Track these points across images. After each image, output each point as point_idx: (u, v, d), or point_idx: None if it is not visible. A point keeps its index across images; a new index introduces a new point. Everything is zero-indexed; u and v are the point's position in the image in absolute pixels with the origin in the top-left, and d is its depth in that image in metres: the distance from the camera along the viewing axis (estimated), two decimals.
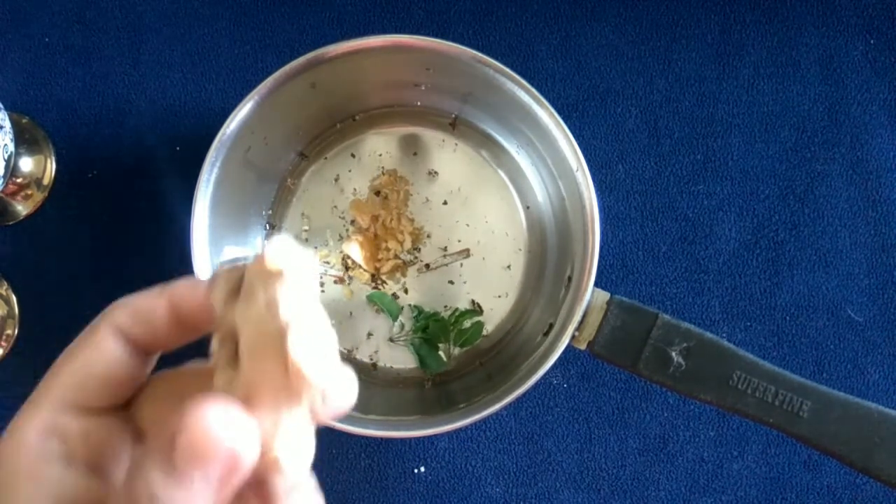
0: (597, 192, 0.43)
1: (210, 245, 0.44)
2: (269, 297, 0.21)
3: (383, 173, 0.52)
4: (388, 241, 0.51)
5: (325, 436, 0.40)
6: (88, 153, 0.53)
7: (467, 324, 0.50)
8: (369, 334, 0.51)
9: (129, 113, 0.53)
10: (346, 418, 0.42)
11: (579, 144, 0.43)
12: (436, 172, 0.51)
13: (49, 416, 0.25)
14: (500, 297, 0.51)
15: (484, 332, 0.51)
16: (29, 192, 0.53)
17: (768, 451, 0.51)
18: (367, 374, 0.50)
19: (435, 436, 0.51)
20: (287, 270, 0.21)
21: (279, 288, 0.21)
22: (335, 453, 0.51)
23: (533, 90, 0.43)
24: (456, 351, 0.50)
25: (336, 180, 0.52)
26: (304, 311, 0.21)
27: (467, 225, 0.51)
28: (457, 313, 0.50)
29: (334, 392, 0.22)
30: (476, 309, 0.51)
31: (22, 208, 0.53)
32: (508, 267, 0.51)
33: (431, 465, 0.51)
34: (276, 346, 0.21)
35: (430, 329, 0.50)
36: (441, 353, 0.50)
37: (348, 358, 0.51)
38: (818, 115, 0.53)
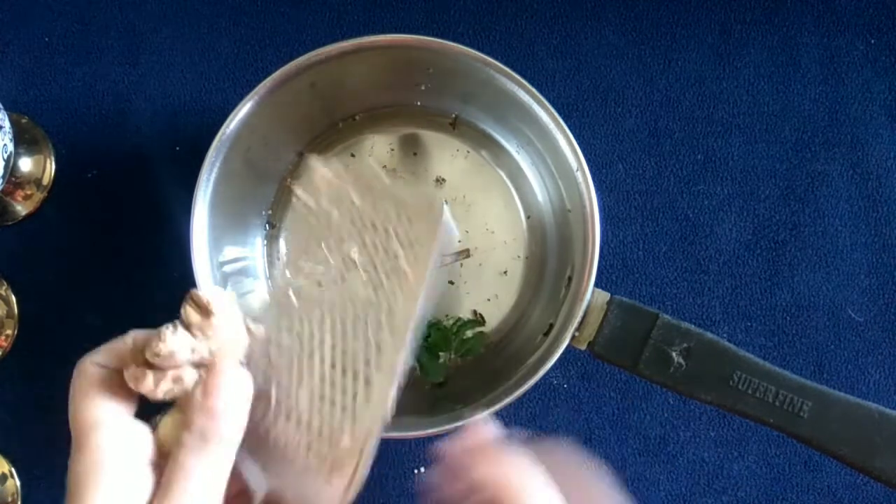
0: (597, 191, 0.43)
1: (210, 245, 0.44)
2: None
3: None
4: None
5: None
6: (88, 153, 0.53)
7: (469, 333, 0.50)
8: None
9: (128, 113, 0.53)
10: None
11: (579, 144, 0.43)
12: (443, 179, 0.51)
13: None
14: (499, 300, 0.51)
15: (485, 339, 0.51)
16: (28, 191, 0.53)
17: (768, 451, 0.51)
18: None
19: (435, 436, 0.51)
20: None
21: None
22: None
23: (533, 90, 0.43)
24: (457, 360, 0.50)
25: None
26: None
27: (467, 231, 0.51)
28: (458, 323, 0.50)
29: None
30: (478, 319, 0.51)
31: (21, 208, 0.53)
32: (505, 273, 0.51)
33: (431, 465, 0.51)
34: None
35: (431, 338, 0.50)
36: (442, 360, 0.50)
37: None
38: (819, 115, 0.53)
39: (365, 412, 0.33)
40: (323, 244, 0.35)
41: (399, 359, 0.33)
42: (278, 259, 0.51)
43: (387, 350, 0.33)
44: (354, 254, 0.35)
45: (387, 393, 0.33)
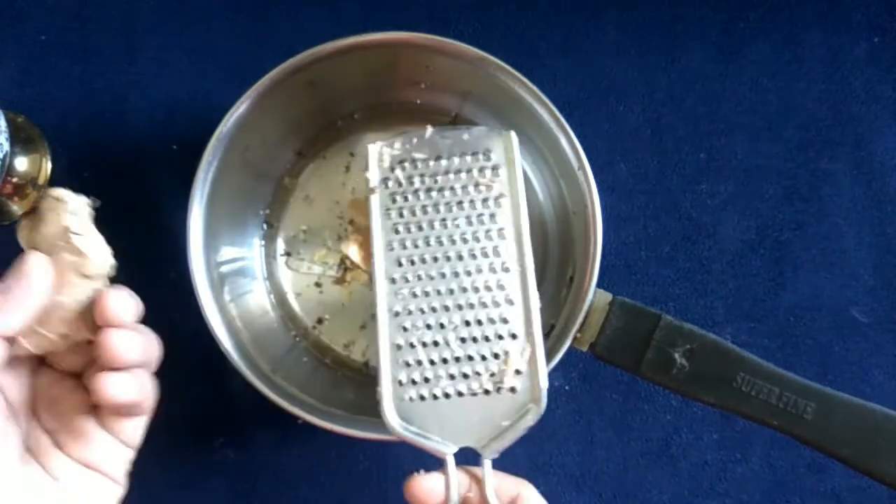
0: (599, 191, 0.42)
1: (206, 244, 0.44)
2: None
3: None
4: None
5: (324, 438, 0.40)
6: (84, 152, 0.53)
7: None
8: (362, 327, 0.50)
9: (125, 111, 0.53)
10: (345, 420, 0.42)
11: (581, 143, 0.43)
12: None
13: None
14: None
15: None
16: (25, 191, 0.52)
17: (772, 453, 0.50)
18: (361, 374, 0.50)
19: None
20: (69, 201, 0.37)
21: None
22: (333, 456, 0.50)
23: (533, 88, 0.43)
24: None
25: (339, 176, 0.51)
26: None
27: None
28: None
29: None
30: None
31: (17, 208, 0.52)
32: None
33: (431, 467, 0.50)
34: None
35: None
36: None
37: (344, 357, 0.50)
38: (822, 113, 0.53)
39: (518, 324, 0.38)
40: (409, 202, 0.40)
41: (527, 265, 0.39)
42: (279, 255, 0.51)
43: (513, 268, 0.39)
44: (443, 196, 0.40)
45: (530, 301, 0.38)
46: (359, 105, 0.51)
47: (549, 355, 0.41)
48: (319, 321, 0.50)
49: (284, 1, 0.54)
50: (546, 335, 0.46)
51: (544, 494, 0.50)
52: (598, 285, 0.42)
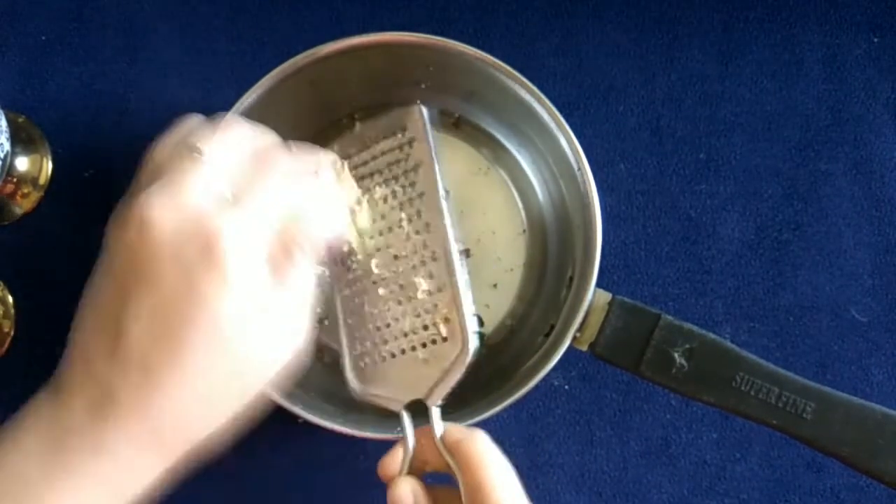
0: (598, 191, 0.43)
1: None
2: None
3: None
4: None
5: (323, 438, 0.40)
6: (85, 152, 0.53)
7: None
8: None
9: (126, 112, 0.53)
10: (345, 419, 0.42)
11: (580, 143, 0.43)
12: (447, 192, 0.51)
13: None
14: (499, 301, 0.50)
15: (485, 340, 0.50)
16: (25, 191, 0.52)
17: (771, 453, 0.50)
18: None
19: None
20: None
21: None
22: (334, 456, 0.50)
23: (534, 88, 0.43)
24: None
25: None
26: None
27: (466, 235, 0.50)
28: None
29: None
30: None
31: (18, 208, 0.52)
32: (505, 274, 0.50)
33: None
34: None
35: None
36: None
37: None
38: (821, 113, 0.53)
39: (443, 277, 0.40)
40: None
41: (445, 220, 0.40)
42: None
43: (434, 225, 0.41)
44: (372, 179, 0.43)
45: (451, 253, 0.40)
46: (359, 105, 0.51)
47: (549, 355, 0.42)
48: (320, 321, 0.50)
49: (285, 1, 0.54)
50: (546, 335, 0.46)
51: (544, 494, 0.50)
52: (598, 285, 0.42)
